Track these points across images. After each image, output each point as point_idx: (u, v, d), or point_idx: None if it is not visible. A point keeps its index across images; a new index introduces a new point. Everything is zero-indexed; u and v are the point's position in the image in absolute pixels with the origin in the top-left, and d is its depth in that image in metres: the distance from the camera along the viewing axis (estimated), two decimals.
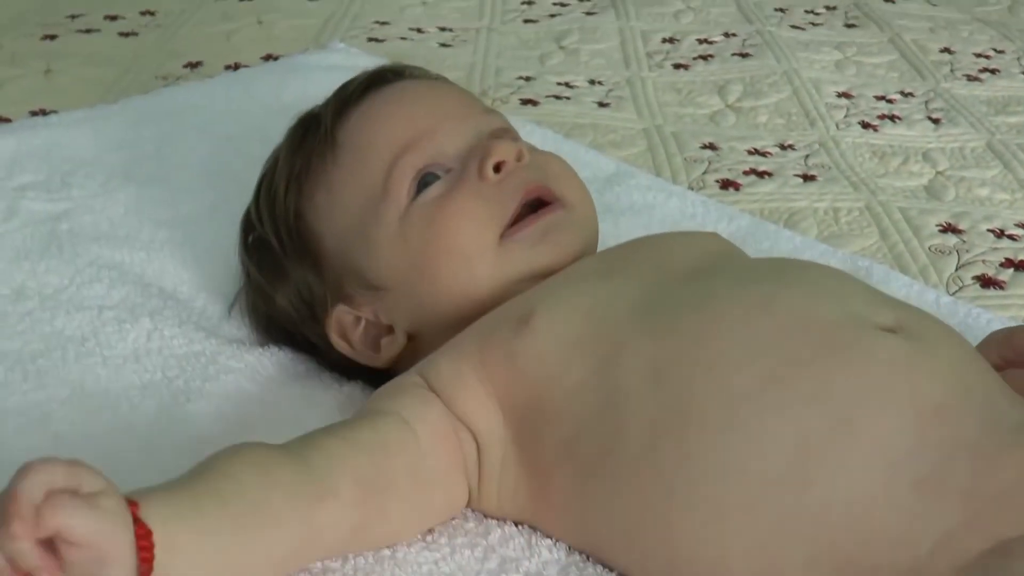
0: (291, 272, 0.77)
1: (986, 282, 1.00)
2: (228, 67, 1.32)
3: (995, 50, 1.61)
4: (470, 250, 0.72)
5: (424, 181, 0.74)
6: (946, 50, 1.59)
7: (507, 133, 0.78)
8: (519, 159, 0.74)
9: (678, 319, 0.64)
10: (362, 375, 0.78)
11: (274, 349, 0.80)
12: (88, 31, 1.43)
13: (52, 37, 1.39)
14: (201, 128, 1.11)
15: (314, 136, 0.77)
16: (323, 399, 0.75)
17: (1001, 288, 0.99)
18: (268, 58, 1.36)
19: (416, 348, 0.74)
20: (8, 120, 1.14)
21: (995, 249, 1.05)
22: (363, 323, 0.76)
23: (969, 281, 1.00)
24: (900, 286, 0.93)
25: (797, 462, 0.57)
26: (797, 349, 0.61)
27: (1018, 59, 1.57)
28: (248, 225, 0.81)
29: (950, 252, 1.04)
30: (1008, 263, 1.03)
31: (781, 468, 0.57)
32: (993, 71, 1.53)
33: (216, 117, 1.14)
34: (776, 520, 0.57)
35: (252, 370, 0.77)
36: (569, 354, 0.64)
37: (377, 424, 0.63)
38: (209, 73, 1.30)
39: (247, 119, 1.10)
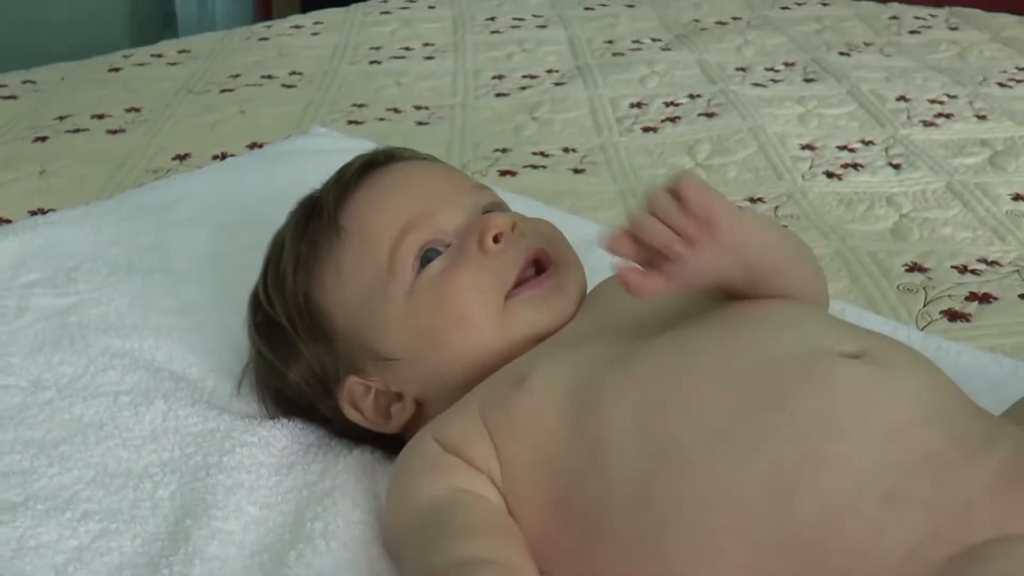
0: (303, 350, 0.81)
1: (953, 316, 1.05)
2: (215, 157, 1.37)
3: (948, 95, 1.68)
4: (479, 318, 0.77)
5: (427, 257, 0.79)
6: (902, 98, 1.66)
7: (499, 206, 0.84)
8: (514, 229, 0.79)
9: (655, 369, 0.69)
10: (370, 440, 0.82)
11: (285, 421, 0.84)
12: (77, 131, 1.48)
13: (43, 139, 1.44)
14: (196, 218, 1.16)
15: (318, 221, 0.82)
16: (335, 465, 0.79)
17: (968, 320, 1.04)
18: (253, 146, 1.41)
19: (423, 413, 0.78)
20: (9, 221, 1.18)
21: (960, 284, 1.11)
22: (373, 392, 0.80)
23: (937, 316, 1.05)
24: (873, 324, 0.98)
25: (775, 488, 0.62)
26: (766, 384, 0.66)
27: (970, 103, 1.64)
28: (256, 306, 0.85)
29: (917, 290, 1.10)
30: (973, 296, 1.08)
31: (761, 495, 0.62)
32: (948, 115, 1.59)
33: (209, 207, 1.18)
34: (761, 542, 0.61)
35: (266, 442, 0.81)
36: (559, 411, 0.69)
37: (457, 505, 0.68)
38: (197, 164, 1.35)
39: (240, 207, 1.15)
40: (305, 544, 0.70)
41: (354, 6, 2.17)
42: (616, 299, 0.78)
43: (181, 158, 1.38)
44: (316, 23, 2.07)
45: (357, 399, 0.80)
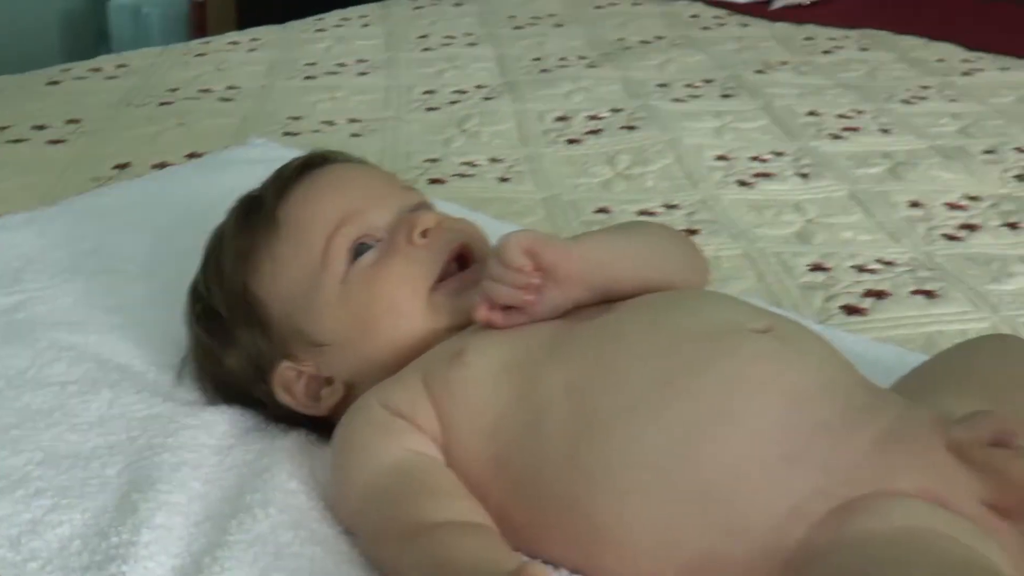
0: (240, 337, 0.87)
1: (851, 310, 1.13)
2: (155, 166, 1.43)
3: (855, 111, 1.77)
4: (406, 306, 0.84)
5: (358, 250, 0.85)
6: (812, 113, 1.75)
7: (426, 206, 0.91)
8: (439, 225, 0.86)
9: (584, 347, 0.76)
10: (304, 424, 0.88)
11: (224, 407, 0.89)
12: (18, 141, 1.52)
13: None
14: (137, 223, 1.21)
15: (257, 216, 0.88)
16: (272, 445, 0.85)
17: (863, 315, 1.13)
18: (192, 156, 1.46)
19: (352, 396, 0.84)
20: None
21: (858, 282, 1.19)
22: (305, 377, 0.86)
23: (836, 311, 1.13)
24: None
25: (685, 446, 0.69)
26: (682, 356, 0.73)
27: (875, 118, 1.73)
28: (196, 296, 0.91)
29: (819, 287, 1.18)
30: (869, 293, 1.17)
31: (672, 453, 0.69)
32: (854, 129, 1.69)
33: (151, 212, 1.24)
34: (671, 496, 0.68)
35: (208, 425, 0.87)
36: (495, 382, 0.76)
37: (415, 467, 0.75)
38: (138, 173, 1.40)
39: (180, 212, 1.20)
40: (245, 513, 0.76)
41: (290, 23, 2.22)
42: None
43: (122, 167, 1.43)
44: (253, 39, 2.12)
45: (289, 383, 0.86)
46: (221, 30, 2.53)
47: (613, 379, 0.73)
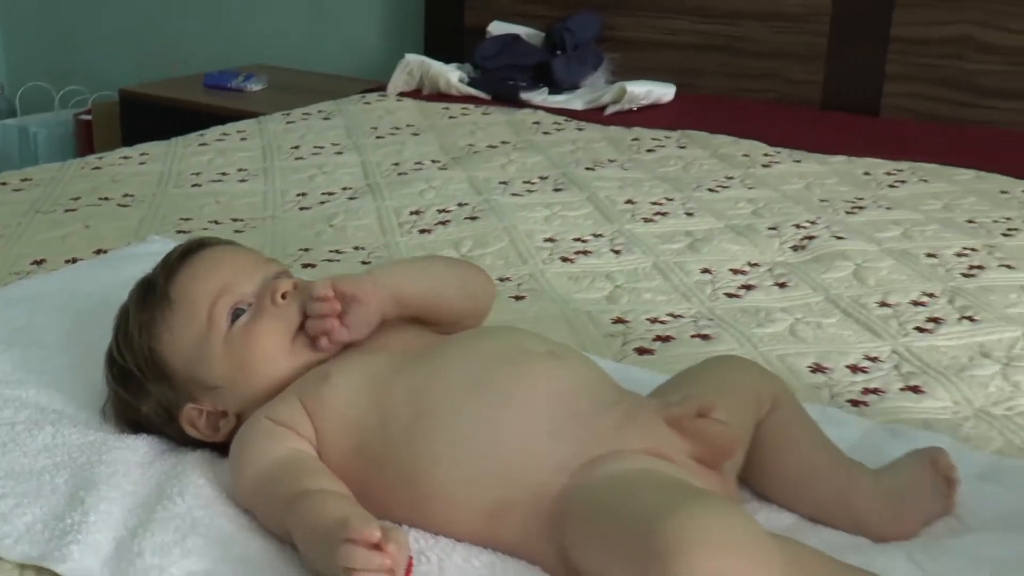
0: (151, 390, 1.13)
1: (642, 351, 1.43)
2: (67, 261, 1.67)
3: (667, 198, 2.10)
4: (275, 352, 1.11)
5: (236, 314, 1.12)
6: (629, 201, 2.07)
7: (285, 273, 1.18)
8: (296, 288, 1.13)
9: (420, 367, 1.04)
10: (205, 446, 1.13)
11: (144, 436, 1.14)
12: None
13: None
14: (58, 306, 1.45)
15: (153, 295, 1.14)
16: (184, 459, 1.10)
17: (652, 354, 1.42)
18: (99, 252, 1.71)
19: (241, 423, 1.10)
20: None
21: (649, 331, 1.49)
22: (204, 414, 1.12)
23: (630, 352, 1.43)
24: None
25: (486, 430, 0.97)
26: (486, 369, 1.02)
27: (683, 204, 2.06)
28: (112, 361, 1.16)
29: (618, 335, 1.48)
30: (657, 338, 1.47)
31: (479, 434, 0.97)
32: (664, 214, 2.01)
33: (69, 298, 1.48)
34: (478, 463, 0.96)
35: (132, 448, 1.11)
36: (356, 394, 1.03)
37: (296, 458, 1.01)
38: (53, 267, 1.65)
39: (93, 297, 1.45)
40: (167, 500, 1.01)
41: (174, 139, 2.49)
42: (396, 331, 1.13)
43: (38, 263, 1.68)
44: (142, 154, 2.38)
45: (193, 420, 1.12)
46: (108, 147, 2.78)
47: (438, 387, 1.01)
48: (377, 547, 0.85)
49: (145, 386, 1.13)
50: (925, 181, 2.32)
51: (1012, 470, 1.16)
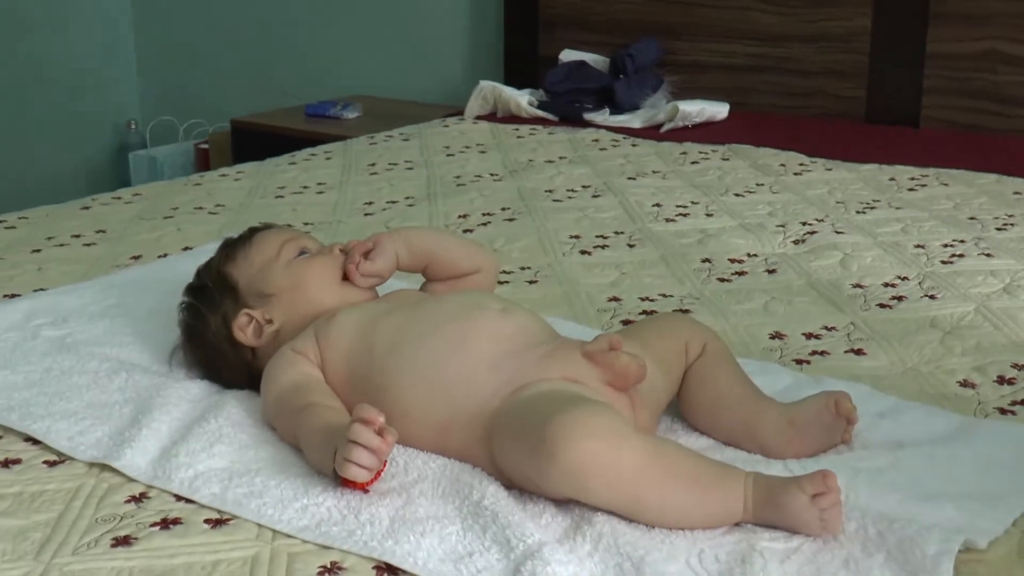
0: (218, 300, 1.41)
1: (626, 323, 1.68)
2: (159, 256, 1.99)
3: (692, 202, 2.33)
4: (325, 281, 1.41)
5: (302, 253, 1.43)
6: (657, 204, 2.31)
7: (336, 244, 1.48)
8: (350, 245, 1.44)
9: (404, 311, 1.32)
10: (247, 387, 1.42)
11: (198, 381, 1.44)
12: (61, 245, 2.08)
13: (38, 251, 2.04)
14: (147, 289, 1.76)
15: (235, 241, 1.47)
16: (226, 396, 1.39)
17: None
18: (186, 248, 2.02)
19: (279, 339, 1.38)
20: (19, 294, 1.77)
21: (637, 307, 1.74)
22: (254, 322, 1.40)
23: (616, 324, 1.67)
24: (572, 330, 1.59)
25: (442, 360, 1.23)
26: (449, 316, 1.29)
27: (705, 207, 2.29)
28: (190, 289, 1.46)
29: (608, 311, 1.72)
30: (643, 312, 1.71)
31: (436, 363, 1.23)
32: (685, 215, 2.24)
33: (158, 282, 1.79)
34: (435, 386, 1.22)
35: (185, 388, 1.41)
36: (351, 330, 1.31)
37: (307, 380, 1.29)
38: (147, 261, 1.96)
39: (176, 281, 1.74)
40: (204, 420, 1.30)
41: (268, 160, 2.81)
42: (401, 293, 1.42)
43: (135, 258, 2.00)
44: (239, 172, 2.71)
45: (243, 326, 1.40)
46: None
47: (414, 326, 1.29)
48: (379, 433, 1.12)
49: (215, 298, 1.42)
50: (945, 185, 2.51)
51: (910, 409, 1.38)
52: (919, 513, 1.11)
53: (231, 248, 1.46)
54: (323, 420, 1.20)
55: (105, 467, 1.24)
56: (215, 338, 1.42)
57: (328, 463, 1.16)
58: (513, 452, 1.13)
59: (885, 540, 1.07)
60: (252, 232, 1.48)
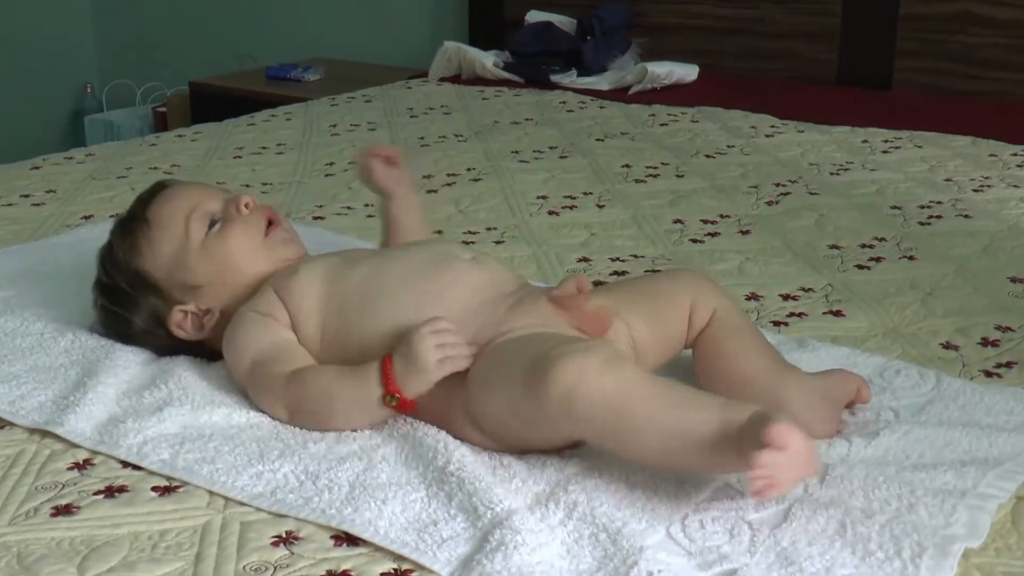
0: (140, 302, 1.33)
1: (597, 283, 1.61)
2: (111, 216, 1.90)
3: (662, 163, 2.27)
4: (249, 248, 1.31)
5: (211, 223, 1.33)
6: (626, 165, 2.25)
7: (239, 194, 1.37)
8: (253, 201, 1.35)
9: (370, 262, 1.26)
10: (183, 352, 1.33)
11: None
12: (9, 205, 2.00)
13: None
14: (95, 249, 1.69)
15: (131, 222, 1.35)
16: (174, 359, 1.32)
17: (605, 286, 1.61)
18: None
19: (224, 320, 1.31)
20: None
21: (608, 268, 1.68)
22: (190, 316, 1.32)
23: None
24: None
25: (415, 311, 1.18)
26: (420, 267, 1.23)
27: (676, 168, 2.23)
28: (102, 286, 1.36)
29: (578, 271, 1.66)
30: (615, 273, 1.66)
31: (410, 314, 1.17)
32: (655, 176, 2.19)
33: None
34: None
35: (135, 351, 1.33)
36: (318, 285, 1.24)
37: (286, 345, 1.22)
38: (99, 221, 1.89)
39: None
40: (154, 386, 1.23)
41: (226, 120, 2.73)
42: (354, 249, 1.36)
43: (86, 218, 1.92)
44: (196, 133, 2.63)
45: (180, 322, 1.32)
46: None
47: (383, 277, 1.23)
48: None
49: (135, 299, 1.33)
50: (919, 147, 2.46)
51: (899, 370, 1.32)
52: (919, 480, 1.06)
53: (131, 235, 1.34)
54: (335, 369, 1.18)
55: (48, 433, 1.17)
56: (147, 333, 1.34)
57: (374, 393, 1.14)
58: (499, 390, 1.09)
59: (883, 509, 1.01)
60: (144, 207, 1.36)
